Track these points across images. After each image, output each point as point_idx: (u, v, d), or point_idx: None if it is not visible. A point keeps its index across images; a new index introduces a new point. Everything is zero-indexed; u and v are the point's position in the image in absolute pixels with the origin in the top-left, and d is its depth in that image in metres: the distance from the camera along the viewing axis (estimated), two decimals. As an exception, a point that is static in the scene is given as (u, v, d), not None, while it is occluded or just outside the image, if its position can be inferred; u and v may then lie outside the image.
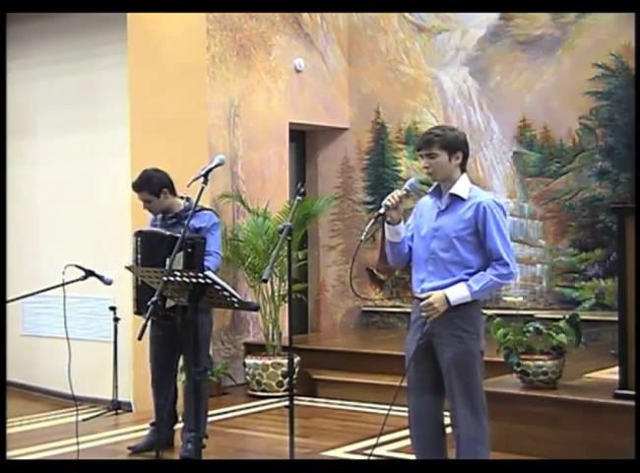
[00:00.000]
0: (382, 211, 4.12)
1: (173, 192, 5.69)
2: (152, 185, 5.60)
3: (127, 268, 5.22)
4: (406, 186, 4.17)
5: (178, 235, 4.81)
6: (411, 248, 4.26)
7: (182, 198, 5.71)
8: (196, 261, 5.35)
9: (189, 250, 5.30)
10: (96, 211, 7.50)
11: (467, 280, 4.05)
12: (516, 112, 8.57)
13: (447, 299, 4.02)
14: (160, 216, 5.72)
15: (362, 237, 4.12)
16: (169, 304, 5.14)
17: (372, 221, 4.12)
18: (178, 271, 4.36)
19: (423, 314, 4.07)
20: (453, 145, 4.12)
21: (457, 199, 4.13)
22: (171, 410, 5.83)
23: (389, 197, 4.11)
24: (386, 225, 4.20)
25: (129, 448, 5.87)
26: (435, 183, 4.23)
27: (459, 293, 4.03)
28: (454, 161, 4.13)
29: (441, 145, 4.10)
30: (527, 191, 8.57)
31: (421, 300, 4.07)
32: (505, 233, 4.09)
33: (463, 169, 4.17)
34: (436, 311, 4.03)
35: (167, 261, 4.81)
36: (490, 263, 4.06)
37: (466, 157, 4.18)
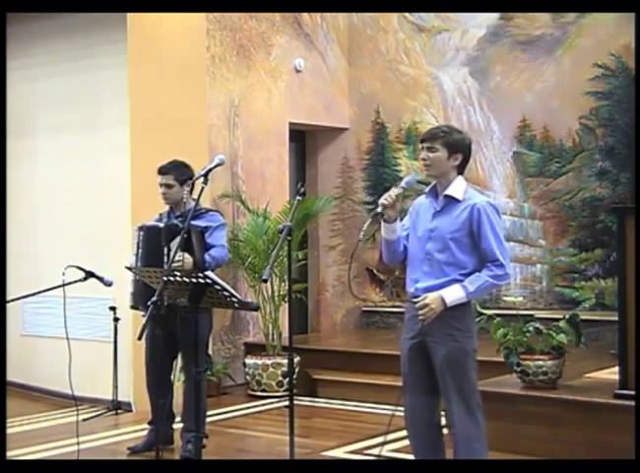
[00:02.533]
0: (379, 210, 4.13)
1: (192, 191, 5.74)
2: (180, 172, 5.67)
3: (127, 268, 5.21)
4: (402, 184, 4.19)
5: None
6: (406, 247, 4.28)
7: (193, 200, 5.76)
8: (194, 247, 5.37)
9: (185, 236, 5.31)
10: (96, 211, 7.50)
11: (460, 280, 4.06)
12: (516, 112, 8.57)
13: (443, 300, 4.03)
14: (165, 214, 5.74)
15: (361, 237, 4.16)
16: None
17: (370, 220, 4.14)
18: (178, 271, 4.36)
19: (420, 317, 4.07)
20: (456, 145, 4.15)
21: (452, 201, 4.15)
22: (169, 408, 5.83)
23: (385, 196, 4.13)
24: (382, 223, 4.21)
25: (128, 449, 5.85)
26: (432, 183, 4.24)
27: (455, 294, 4.04)
28: (452, 161, 4.15)
29: (444, 142, 4.13)
30: (527, 191, 8.57)
31: (417, 302, 4.08)
32: (500, 234, 4.11)
33: (460, 172, 4.19)
34: (433, 313, 4.04)
35: (166, 251, 4.85)
36: (485, 264, 4.07)
37: (465, 161, 4.20)
